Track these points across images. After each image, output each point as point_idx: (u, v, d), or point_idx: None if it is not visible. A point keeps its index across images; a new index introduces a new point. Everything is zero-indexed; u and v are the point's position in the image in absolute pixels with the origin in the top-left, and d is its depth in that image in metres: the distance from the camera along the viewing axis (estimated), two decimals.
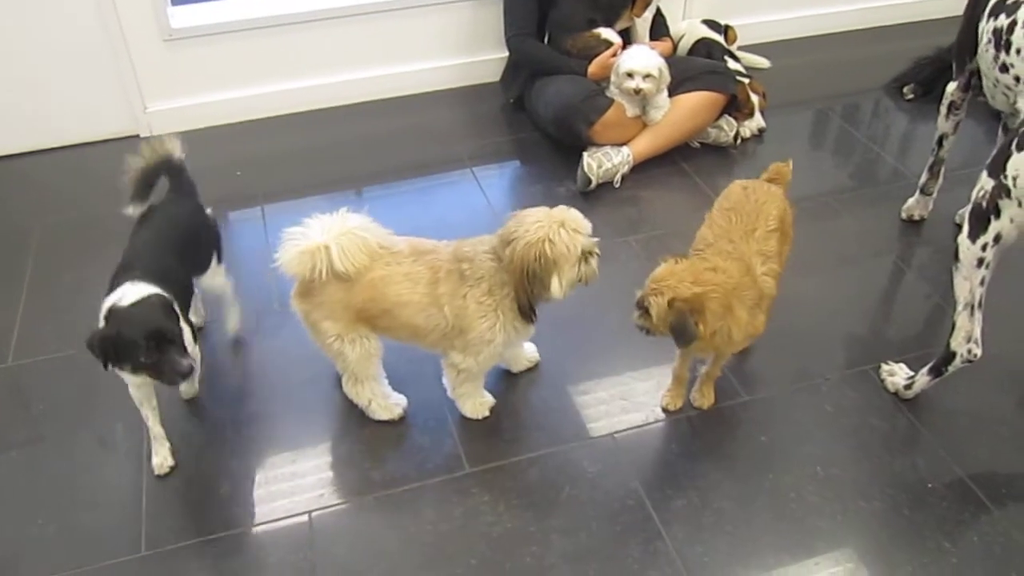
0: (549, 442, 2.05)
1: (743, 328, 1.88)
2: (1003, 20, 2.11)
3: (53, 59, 3.10)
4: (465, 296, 1.90)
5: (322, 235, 1.88)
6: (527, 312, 1.92)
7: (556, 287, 1.89)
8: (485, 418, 2.10)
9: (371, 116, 3.45)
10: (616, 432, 2.06)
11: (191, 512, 1.92)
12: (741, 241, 1.96)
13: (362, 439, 2.07)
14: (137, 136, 3.32)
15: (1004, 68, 2.12)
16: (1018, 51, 2.05)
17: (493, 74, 3.54)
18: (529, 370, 2.25)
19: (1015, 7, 2.08)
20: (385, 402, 2.09)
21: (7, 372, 2.29)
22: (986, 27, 2.18)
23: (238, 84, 3.35)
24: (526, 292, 1.88)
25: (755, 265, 1.93)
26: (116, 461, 2.04)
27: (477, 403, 2.10)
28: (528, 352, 2.25)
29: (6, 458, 2.05)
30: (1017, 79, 2.09)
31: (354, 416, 2.11)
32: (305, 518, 1.89)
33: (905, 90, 3.48)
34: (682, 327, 1.80)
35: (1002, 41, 2.11)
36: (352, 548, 1.83)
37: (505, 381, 2.18)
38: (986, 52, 2.20)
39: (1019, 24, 2.04)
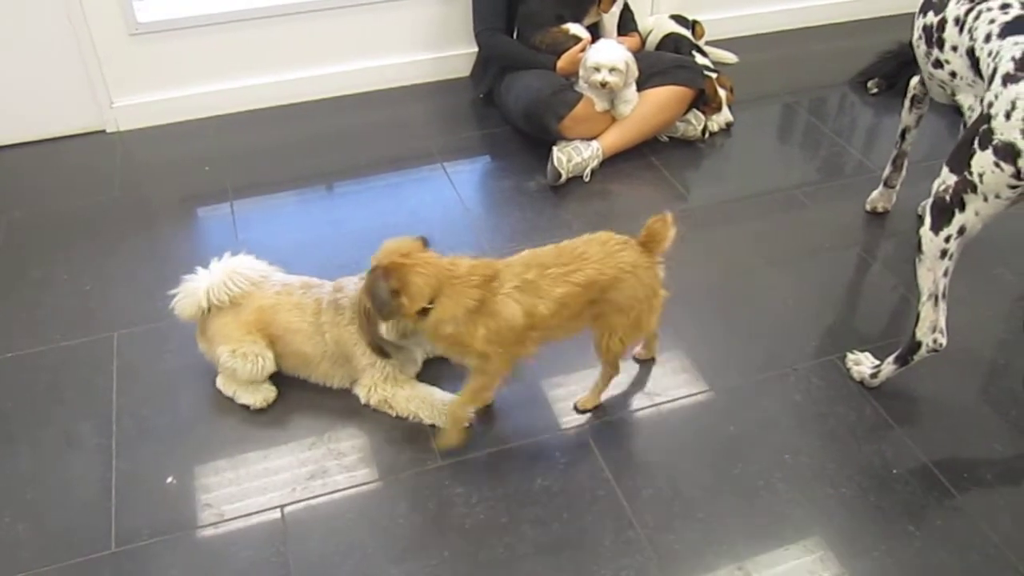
0: (521, 434, 2.06)
1: (476, 335, 1.81)
2: (931, 17, 2.17)
3: (18, 53, 3.06)
4: (338, 324, 2.06)
5: (206, 278, 2.09)
6: (375, 348, 1.98)
7: (384, 329, 1.95)
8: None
9: (341, 111, 3.43)
10: (588, 424, 2.08)
11: (162, 508, 1.91)
12: (533, 269, 1.84)
13: (334, 435, 2.07)
14: (103, 131, 3.29)
15: (937, 64, 2.18)
16: (954, 48, 2.09)
17: (463, 69, 3.55)
18: None
19: (942, 5, 2.13)
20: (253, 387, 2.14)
21: None
22: (917, 23, 2.24)
23: (206, 79, 3.32)
24: (366, 328, 1.94)
25: (507, 282, 1.82)
26: (84, 458, 2.02)
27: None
28: None
29: None
30: (953, 75, 2.13)
31: (327, 412, 2.11)
32: (277, 513, 1.89)
33: (869, 84, 3.53)
34: (374, 290, 1.79)
35: (933, 38, 2.16)
36: (325, 542, 1.83)
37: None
38: (918, 48, 2.26)
39: (950, 21, 2.09)
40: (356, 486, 1.95)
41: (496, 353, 1.86)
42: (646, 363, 2.25)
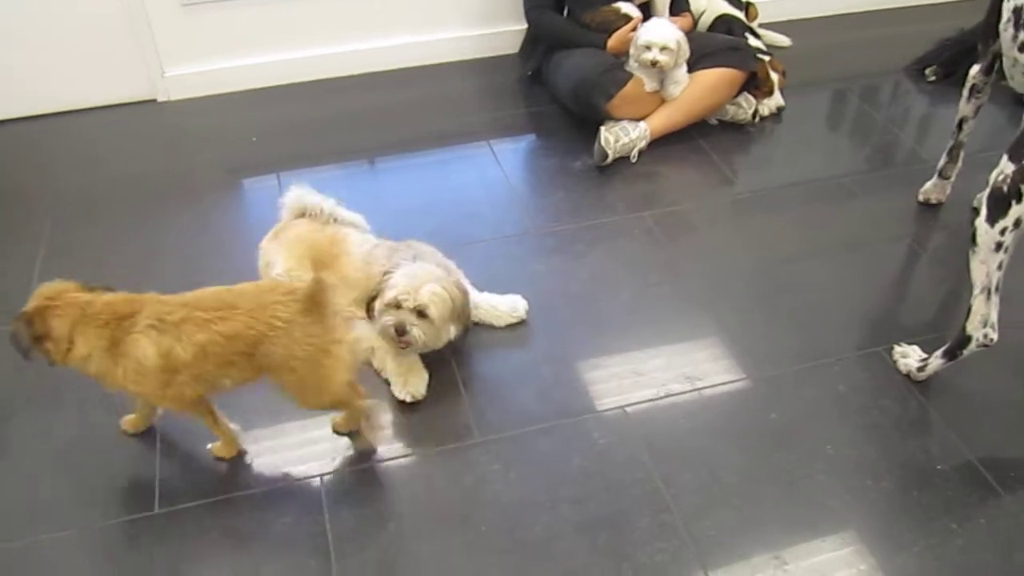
0: (560, 414, 2.06)
1: (117, 375, 1.75)
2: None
3: (73, 22, 3.10)
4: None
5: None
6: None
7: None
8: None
9: (389, 86, 3.44)
10: (627, 405, 2.07)
11: (204, 473, 1.95)
12: (184, 310, 1.74)
13: (374, 407, 2.07)
14: (154, 101, 3.33)
15: None
16: None
17: (511, 46, 3.53)
18: (540, 344, 2.26)
19: None
20: None
21: None
22: (1007, 6, 2.16)
23: (256, 50, 3.34)
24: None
25: (143, 321, 1.73)
26: None
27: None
28: (508, 308, 2.30)
29: (21, 419, 2.07)
30: None
31: (368, 385, 2.12)
32: (317, 482, 1.91)
33: (927, 72, 3.44)
34: (15, 336, 1.71)
35: (1022, 20, 2.09)
36: (363, 512, 1.85)
37: (517, 354, 2.19)
38: (1005, 32, 2.18)
39: None
40: (394, 458, 1.97)
41: (149, 393, 1.80)
42: (689, 352, 2.23)
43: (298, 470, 1.94)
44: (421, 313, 2.01)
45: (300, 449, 1.99)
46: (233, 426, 1.97)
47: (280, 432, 2.03)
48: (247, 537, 1.81)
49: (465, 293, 2.12)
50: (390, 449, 1.98)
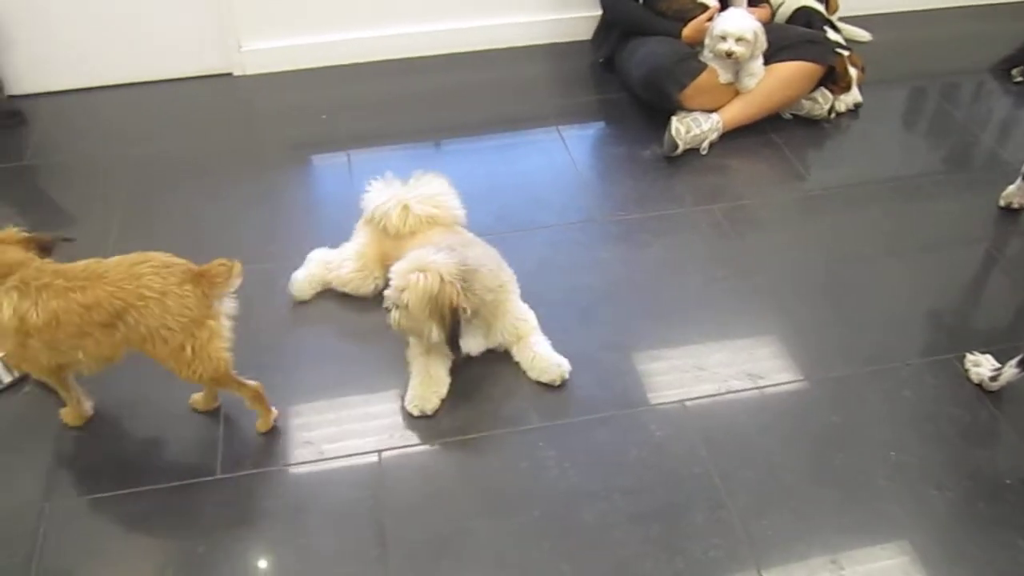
0: (618, 404, 2.05)
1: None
2: None
3: None
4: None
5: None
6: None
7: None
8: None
9: (460, 68, 3.44)
10: (687, 400, 2.05)
11: (265, 441, 1.98)
12: (52, 276, 1.75)
13: None
14: (230, 75, 3.38)
15: None
16: None
17: (583, 32, 3.50)
18: (601, 332, 2.25)
19: None
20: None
21: None
22: None
23: (331, 28, 3.37)
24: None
25: (10, 281, 1.74)
26: (195, 387, 2.10)
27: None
28: (550, 364, 2.10)
29: (89, 380, 2.13)
30: None
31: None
32: (375, 457, 1.93)
33: (1014, 72, 3.33)
34: None
35: None
36: (418, 490, 1.87)
37: (577, 342, 2.18)
38: None
39: None
40: (452, 439, 1.98)
41: (8, 353, 1.81)
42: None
43: (357, 444, 1.97)
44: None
45: (360, 423, 2.02)
46: (88, 403, 2.02)
47: (342, 405, 2.06)
48: (303, 507, 1.84)
49: (457, 293, 1.94)
50: (448, 429, 2.00)
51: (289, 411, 2.05)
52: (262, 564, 1.76)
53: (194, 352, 1.80)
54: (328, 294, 2.35)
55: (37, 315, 1.73)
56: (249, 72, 3.38)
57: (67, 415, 2.02)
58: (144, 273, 1.75)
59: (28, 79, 3.23)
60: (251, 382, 1.94)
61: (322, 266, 2.34)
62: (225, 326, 1.84)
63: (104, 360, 1.85)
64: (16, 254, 1.79)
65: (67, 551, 1.77)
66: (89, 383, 2.08)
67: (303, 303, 2.34)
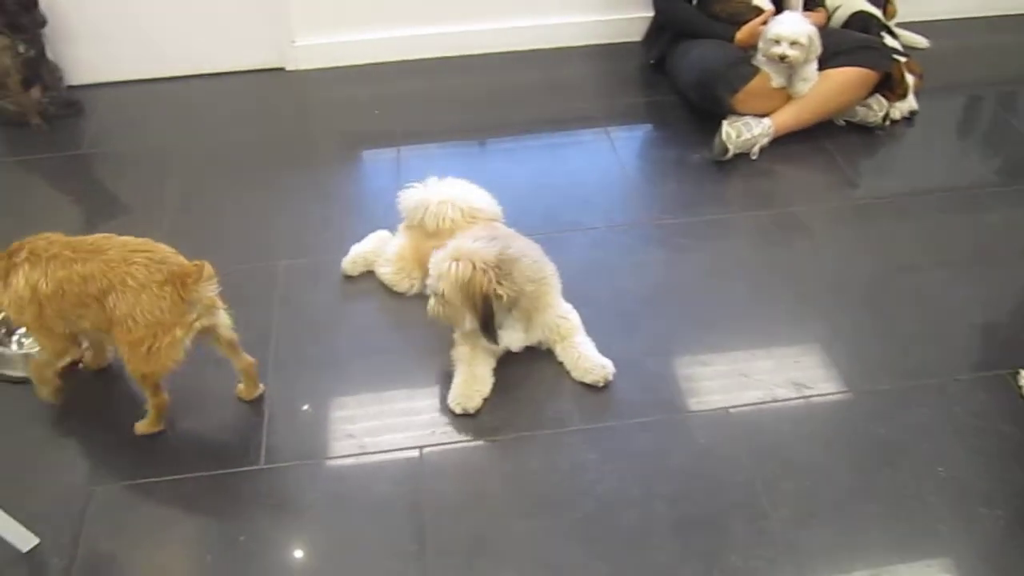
0: (661, 409, 2.03)
1: (3, 304, 1.86)
2: None
3: None
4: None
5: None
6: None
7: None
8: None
9: (510, 67, 3.44)
10: (731, 407, 2.03)
11: (308, 433, 2.00)
12: (62, 247, 1.83)
13: None
14: (283, 69, 3.42)
15: None
16: None
17: (634, 33, 3.48)
18: (645, 336, 2.23)
19: None
20: None
21: None
22: None
23: (383, 24, 3.39)
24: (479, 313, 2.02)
25: (24, 254, 1.83)
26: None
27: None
28: (593, 365, 2.09)
29: None
30: None
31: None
32: (416, 453, 1.94)
33: None
34: None
35: None
36: (459, 487, 1.88)
37: (621, 345, 2.17)
38: None
39: None
40: (493, 437, 1.98)
41: (27, 323, 1.88)
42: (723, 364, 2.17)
43: (398, 439, 1.98)
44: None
45: (402, 418, 2.03)
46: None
47: (385, 399, 2.08)
48: (345, 499, 1.86)
49: (489, 280, 1.94)
50: (490, 428, 2.00)
51: (332, 403, 2.07)
52: (301, 555, 1.78)
53: (149, 352, 1.80)
54: (375, 288, 2.37)
55: (46, 284, 1.80)
56: (302, 67, 3.42)
57: (40, 391, 2.04)
58: (137, 261, 1.79)
59: (87, 70, 3.29)
60: (165, 395, 1.96)
61: (372, 252, 2.39)
62: (186, 339, 1.83)
63: (103, 330, 1.88)
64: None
65: (111, 534, 1.81)
66: None
67: (351, 286, 2.38)
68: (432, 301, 2.04)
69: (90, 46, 3.25)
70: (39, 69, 3.08)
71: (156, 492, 1.89)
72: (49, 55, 3.14)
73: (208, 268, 1.81)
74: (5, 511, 1.72)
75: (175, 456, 1.96)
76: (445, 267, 1.97)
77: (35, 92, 3.09)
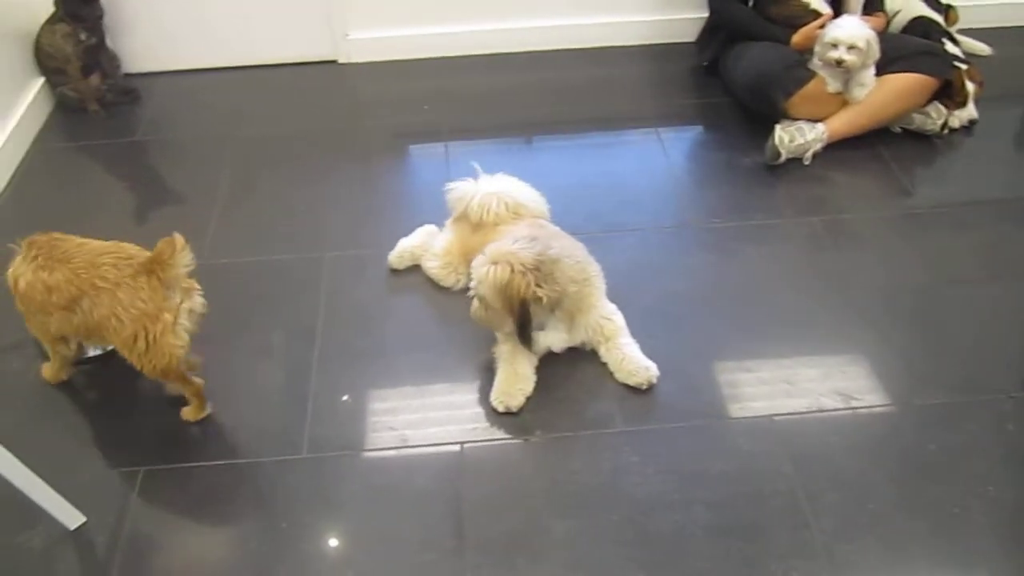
0: (704, 414, 2.02)
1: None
2: None
3: None
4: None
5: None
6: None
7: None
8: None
9: (561, 65, 3.43)
10: (775, 414, 2.01)
11: (350, 424, 2.02)
12: (67, 246, 1.86)
13: None
14: (335, 62, 3.45)
15: None
16: None
17: (687, 34, 3.45)
18: (690, 340, 2.21)
19: None
20: None
21: (198, 269, 2.41)
22: None
23: (436, 20, 3.41)
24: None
25: (34, 254, 1.84)
26: (287, 367, 2.16)
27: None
28: (638, 367, 2.08)
29: (191, 346, 2.20)
30: None
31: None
32: (457, 448, 1.95)
33: None
34: None
35: None
36: (498, 484, 1.88)
37: (665, 348, 2.15)
38: None
39: None
40: (534, 436, 1.98)
41: (26, 318, 1.94)
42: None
43: (439, 434, 1.98)
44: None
45: (444, 412, 2.04)
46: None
47: (427, 393, 2.09)
48: (385, 491, 1.87)
49: (527, 284, 1.92)
50: (531, 426, 2.00)
51: (375, 395, 2.08)
52: (341, 545, 1.80)
53: (147, 345, 1.82)
54: (421, 282, 2.39)
55: (23, 284, 1.85)
56: (354, 60, 3.44)
57: (46, 370, 2.10)
58: (105, 263, 1.81)
59: (145, 58, 3.35)
60: (196, 380, 1.98)
61: (419, 247, 2.41)
62: (183, 322, 1.85)
63: (81, 337, 1.94)
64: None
65: (156, 515, 1.84)
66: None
67: (397, 279, 2.40)
68: (474, 304, 2.04)
69: (148, 35, 3.31)
70: (99, 57, 3.15)
71: (201, 476, 1.92)
72: (108, 43, 3.20)
73: (179, 240, 1.81)
74: (54, 489, 1.75)
75: (220, 442, 1.99)
76: (484, 271, 1.97)
77: (94, 79, 3.16)
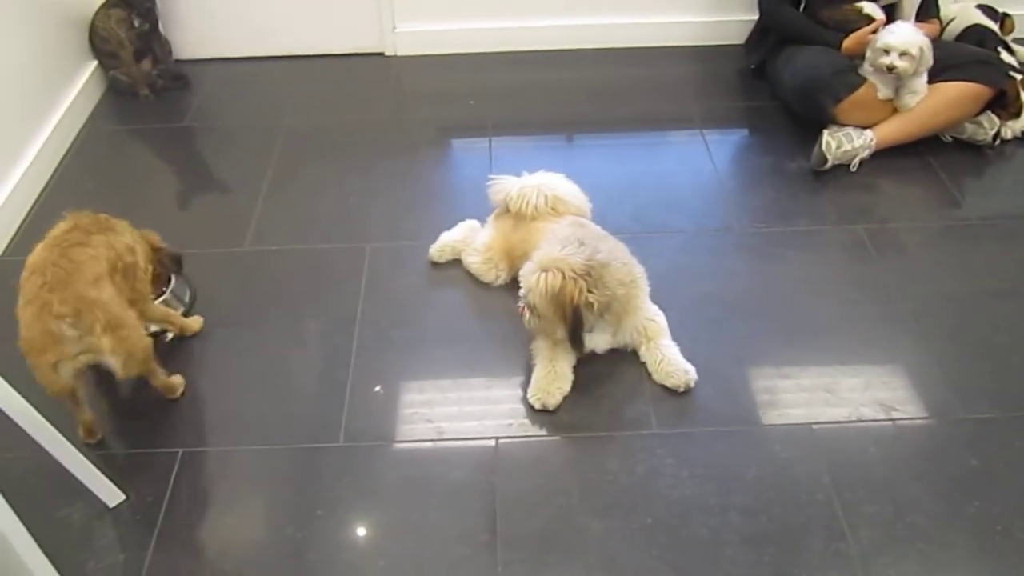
0: (742, 419, 2.00)
1: None
2: None
3: None
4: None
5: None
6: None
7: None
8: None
9: (606, 63, 3.43)
10: (814, 423, 1.99)
11: (387, 415, 2.03)
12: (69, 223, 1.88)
13: None
14: (382, 54, 3.47)
15: None
16: None
17: (735, 36, 3.42)
18: (730, 344, 2.20)
19: None
20: None
21: (242, 256, 2.49)
22: None
23: (484, 15, 3.41)
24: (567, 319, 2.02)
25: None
26: (326, 355, 2.18)
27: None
28: (677, 368, 2.06)
29: (233, 332, 2.24)
30: None
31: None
32: (492, 443, 1.95)
33: None
34: None
35: None
36: (533, 481, 1.88)
37: (704, 351, 2.14)
38: None
39: None
40: (571, 435, 1.98)
41: None
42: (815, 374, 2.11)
43: (475, 428, 1.99)
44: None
45: (480, 406, 2.04)
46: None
47: (464, 387, 2.10)
48: (419, 484, 1.88)
49: (580, 291, 1.92)
50: (567, 424, 2.00)
51: (412, 387, 2.10)
52: (375, 535, 1.81)
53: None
54: (461, 277, 2.39)
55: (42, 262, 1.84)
56: (401, 53, 3.46)
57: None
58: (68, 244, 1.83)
59: (196, 45, 3.40)
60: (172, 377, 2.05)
61: (461, 241, 2.42)
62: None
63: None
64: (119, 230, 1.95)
65: (195, 497, 1.86)
66: (234, 344, 2.18)
67: (437, 273, 2.41)
68: (527, 315, 2.03)
69: (199, 23, 3.36)
70: (151, 42, 3.20)
71: (240, 460, 1.94)
72: (161, 30, 3.25)
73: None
74: (95, 467, 1.79)
75: (258, 427, 2.01)
76: (534, 279, 1.95)
77: (146, 64, 3.21)
